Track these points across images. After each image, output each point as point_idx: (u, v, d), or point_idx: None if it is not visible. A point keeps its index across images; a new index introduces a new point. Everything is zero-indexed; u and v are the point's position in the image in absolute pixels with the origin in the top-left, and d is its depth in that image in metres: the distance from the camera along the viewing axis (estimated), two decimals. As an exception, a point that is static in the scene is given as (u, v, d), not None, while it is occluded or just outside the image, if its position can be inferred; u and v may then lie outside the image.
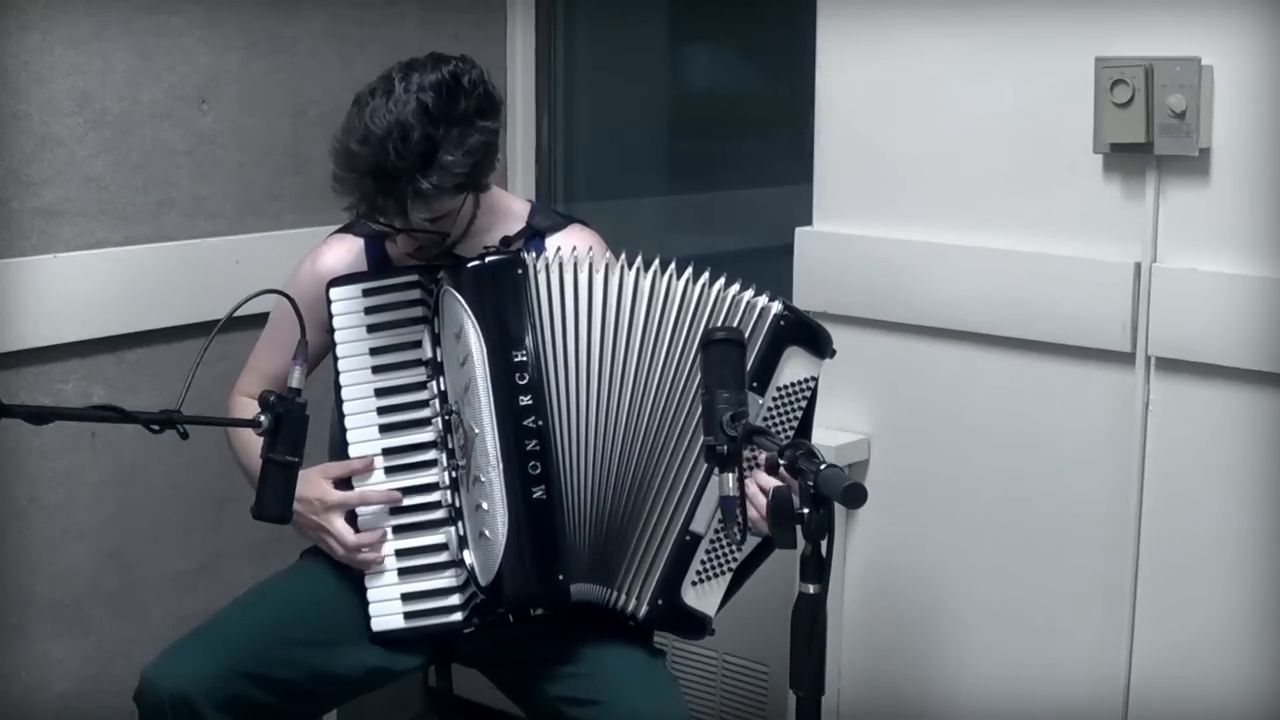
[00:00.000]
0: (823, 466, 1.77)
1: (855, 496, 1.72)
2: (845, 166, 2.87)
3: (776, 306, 2.27)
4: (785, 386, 2.26)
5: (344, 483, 2.34)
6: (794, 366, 2.26)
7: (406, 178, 2.18)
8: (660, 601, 2.27)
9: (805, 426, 2.30)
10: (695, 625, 2.30)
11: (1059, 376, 2.64)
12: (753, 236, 3.38)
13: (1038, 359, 2.66)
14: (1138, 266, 2.52)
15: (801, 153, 2.95)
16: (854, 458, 2.87)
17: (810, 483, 1.77)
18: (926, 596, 2.85)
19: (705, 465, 2.24)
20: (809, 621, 1.77)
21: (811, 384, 2.28)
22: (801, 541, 1.79)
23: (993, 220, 2.69)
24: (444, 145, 2.19)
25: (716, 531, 2.26)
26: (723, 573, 2.29)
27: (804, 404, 2.28)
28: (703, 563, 2.27)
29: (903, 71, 2.77)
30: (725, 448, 1.93)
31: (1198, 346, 2.47)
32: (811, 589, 1.77)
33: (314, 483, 2.30)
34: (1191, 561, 2.53)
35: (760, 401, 2.24)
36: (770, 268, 3.03)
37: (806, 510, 1.77)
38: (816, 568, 1.77)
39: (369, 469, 2.33)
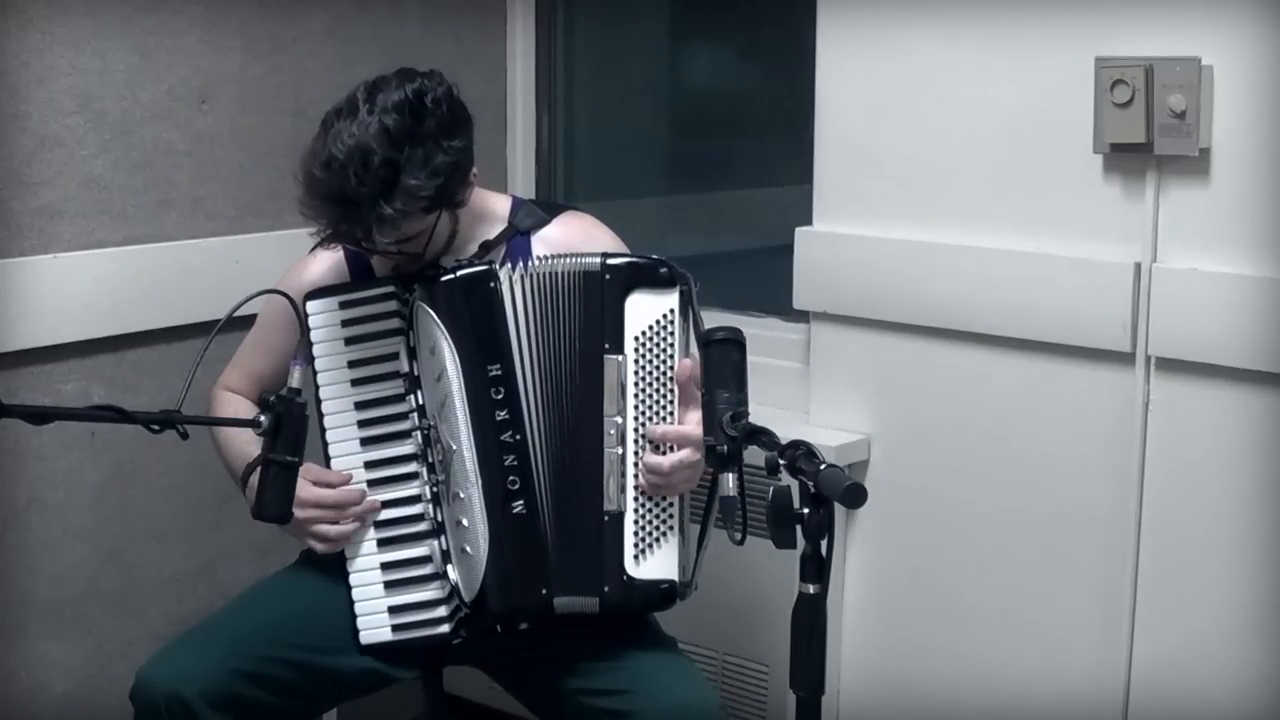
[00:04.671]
0: (823, 466, 1.78)
1: (855, 496, 1.72)
2: (845, 166, 2.87)
3: (594, 263, 2.24)
4: (644, 333, 2.23)
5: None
6: (643, 311, 2.22)
7: (369, 204, 2.14)
8: (608, 589, 2.23)
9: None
10: (663, 596, 2.24)
11: (1059, 376, 2.64)
12: (753, 236, 3.38)
13: (1038, 359, 2.66)
14: (1138, 266, 2.52)
15: (801, 153, 2.95)
16: (854, 458, 2.87)
17: (810, 483, 1.77)
18: (926, 597, 2.85)
19: (600, 446, 2.22)
20: (809, 621, 1.78)
21: (670, 316, 2.24)
22: (801, 541, 1.79)
23: (993, 220, 2.69)
24: (407, 169, 2.15)
25: (635, 500, 2.22)
26: (661, 534, 2.23)
27: (671, 339, 2.24)
28: (635, 534, 2.22)
29: (903, 72, 2.77)
30: (725, 448, 1.93)
31: (1198, 346, 2.47)
32: (811, 589, 1.78)
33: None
34: (1191, 561, 2.53)
35: (621, 360, 2.22)
36: (770, 268, 3.03)
37: (806, 510, 1.77)
38: (816, 568, 1.78)
39: (347, 482, 2.31)
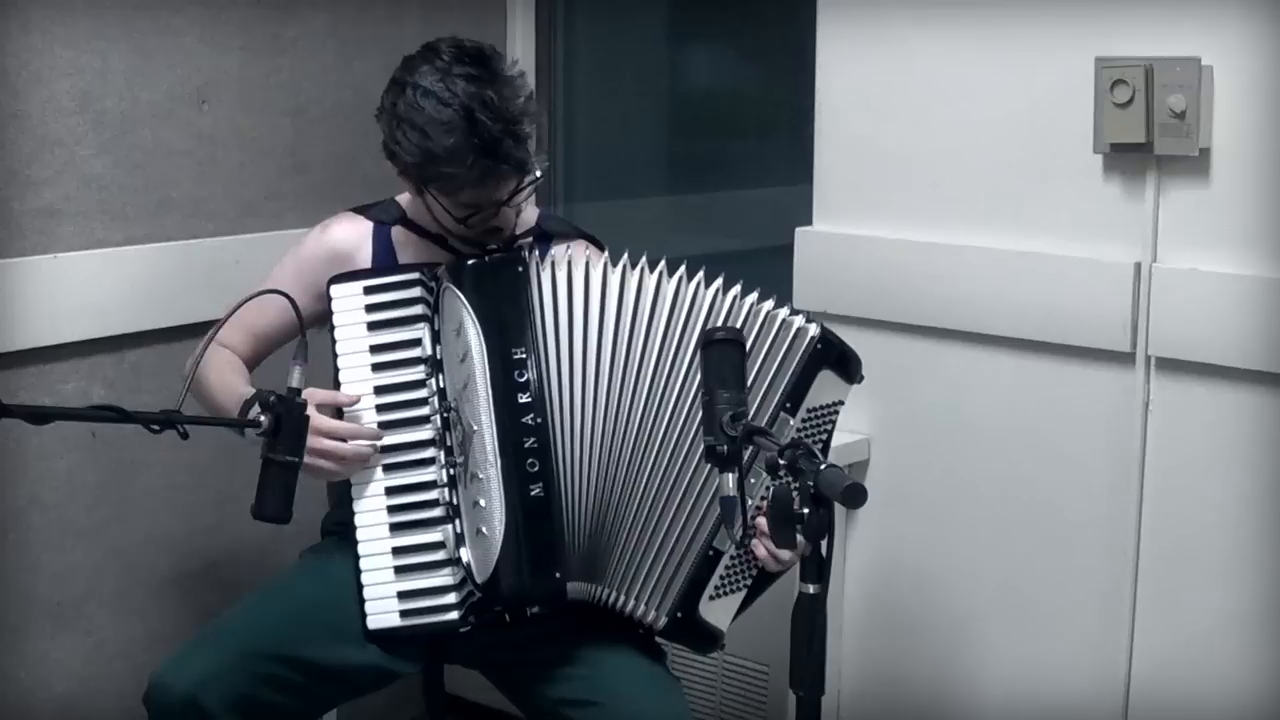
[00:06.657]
0: (823, 466, 1.77)
1: (855, 496, 1.72)
2: (845, 166, 2.87)
3: (814, 330, 2.26)
4: (815, 409, 2.26)
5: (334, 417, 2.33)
6: (825, 389, 2.25)
7: (512, 139, 2.23)
8: (680, 615, 2.26)
9: (825, 447, 2.30)
10: (709, 639, 2.29)
11: (1059, 376, 2.64)
12: (753, 236, 3.38)
13: (1038, 359, 2.66)
14: (1138, 266, 2.52)
15: (801, 153, 2.95)
16: (854, 458, 2.87)
17: (810, 483, 1.77)
18: (926, 596, 2.85)
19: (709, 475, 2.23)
20: (809, 621, 1.77)
21: (839, 407, 2.29)
22: (801, 541, 1.79)
23: (993, 220, 2.69)
24: (523, 120, 2.27)
25: (738, 547, 2.25)
26: (739, 587, 2.27)
27: (830, 426, 2.29)
28: (722, 577, 2.26)
29: (903, 71, 2.78)
30: (725, 448, 1.93)
31: (1198, 346, 2.47)
32: (811, 589, 1.78)
33: None
34: (1191, 561, 2.53)
35: (791, 422, 2.23)
36: (770, 268, 3.03)
37: (806, 510, 1.77)
38: (816, 568, 1.78)
39: (355, 403, 2.31)
